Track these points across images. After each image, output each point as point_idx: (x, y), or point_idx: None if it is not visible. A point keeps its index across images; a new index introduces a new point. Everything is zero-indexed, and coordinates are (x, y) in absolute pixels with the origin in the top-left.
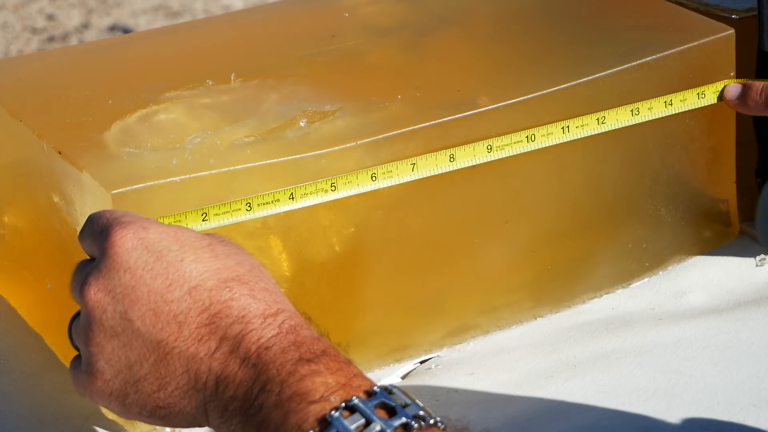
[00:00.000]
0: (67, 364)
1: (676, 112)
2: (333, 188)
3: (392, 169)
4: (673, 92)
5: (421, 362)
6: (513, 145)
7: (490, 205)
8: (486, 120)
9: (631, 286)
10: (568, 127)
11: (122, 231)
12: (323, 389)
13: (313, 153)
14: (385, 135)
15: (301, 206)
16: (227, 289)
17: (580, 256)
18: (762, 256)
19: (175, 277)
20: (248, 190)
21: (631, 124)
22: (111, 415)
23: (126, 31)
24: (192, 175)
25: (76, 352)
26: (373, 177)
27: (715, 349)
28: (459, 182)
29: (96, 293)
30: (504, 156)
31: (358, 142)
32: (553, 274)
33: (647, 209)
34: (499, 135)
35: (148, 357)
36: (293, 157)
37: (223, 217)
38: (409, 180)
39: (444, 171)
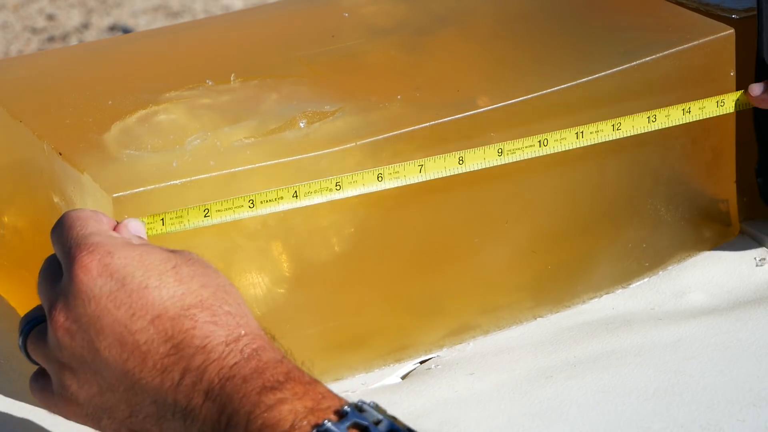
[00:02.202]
0: None
1: (695, 119)
2: (338, 187)
3: (399, 170)
4: (673, 92)
5: (421, 362)
6: (525, 150)
7: (489, 205)
8: (486, 120)
9: (631, 285)
10: (582, 132)
11: (88, 257)
12: (292, 417)
13: (313, 154)
14: (385, 135)
15: (304, 204)
16: (189, 318)
17: (580, 256)
18: (762, 255)
19: (138, 306)
20: (248, 191)
21: (647, 131)
22: None
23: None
24: (192, 178)
25: None
26: (380, 177)
27: (715, 348)
28: (459, 182)
29: (64, 321)
30: (515, 160)
31: (358, 143)
32: (553, 274)
33: (647, 209)
34: (498, 134)
35: (117, 386)
36: (293, 158)
37: (225, 214)
38: (416, 181)
39: (452, 173)
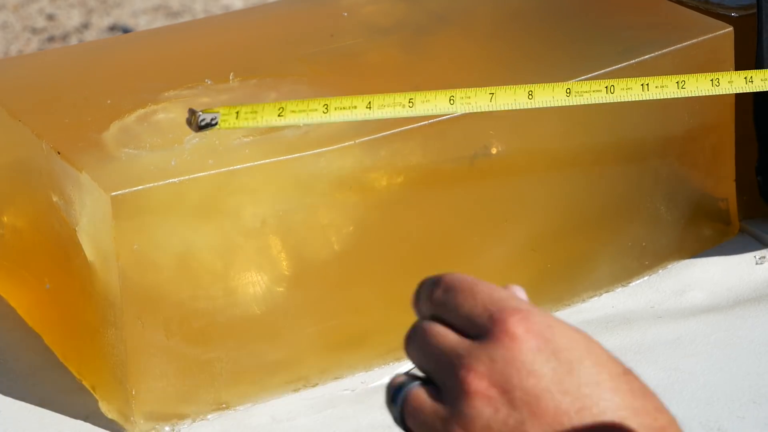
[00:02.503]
0: (67, 364)
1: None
2: (411, 104)
3: (471, 95)
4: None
5: None
6: (592, 93)
7: (489, 203)
8: (485, 118)
9: (631, 284)
10: (647, 84)
11: (523, 324)
12: None
13: (311, 152)
14: (384, 134)
15: (377, 117)
16: None
17: (580, 254)
18: (762, 254)
19: (587, 402)
20: (248, 190)
21: (712, 93)
22: (111, 415)
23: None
24: (191, 176)
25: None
26: (452, 100)
27: (715, 346)
28: (458, 180)
29: (487, 389)
30: (582, 103)
31: (357, 141)
32: (553, 272)
33: (647, 207)
34: (497, 133)
35: None
36: (292, 156)
37: (299, 116)
38: (485, 110)
39: (521, 107)
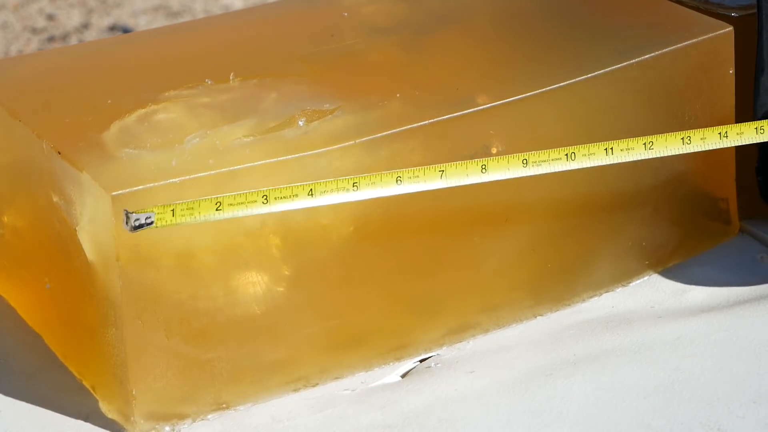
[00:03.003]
0: (67, 364)
1: (735, 144)
2: (355, 187)
3: (419, 174)
4: (671, 90)
5: (421, 361)
6: (550, 162)
7: (490, 203)
8: (485, 118)
9: (631, 284)
10: (612, 149)
11: None
12: None
13: (312, 152)
14: (384, 133)
15: (320, 203)
16: None
17: (580, 254)
18: (762, 254)
19: None
20: (248, 190)
21: (681, 152)
22: (111, 414)
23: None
24: (191, 176)
25: (72, 352)
26: (399, 180)
27: (715, 346)
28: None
29: None
30: (540, 172)
31: (357, 141)
32: (553, 272)
33: (647, 207)
34: (497, 133)
35: None
36: (292, 156)
37: (237, 208)
38: (436, 187)
39: (474, 182)
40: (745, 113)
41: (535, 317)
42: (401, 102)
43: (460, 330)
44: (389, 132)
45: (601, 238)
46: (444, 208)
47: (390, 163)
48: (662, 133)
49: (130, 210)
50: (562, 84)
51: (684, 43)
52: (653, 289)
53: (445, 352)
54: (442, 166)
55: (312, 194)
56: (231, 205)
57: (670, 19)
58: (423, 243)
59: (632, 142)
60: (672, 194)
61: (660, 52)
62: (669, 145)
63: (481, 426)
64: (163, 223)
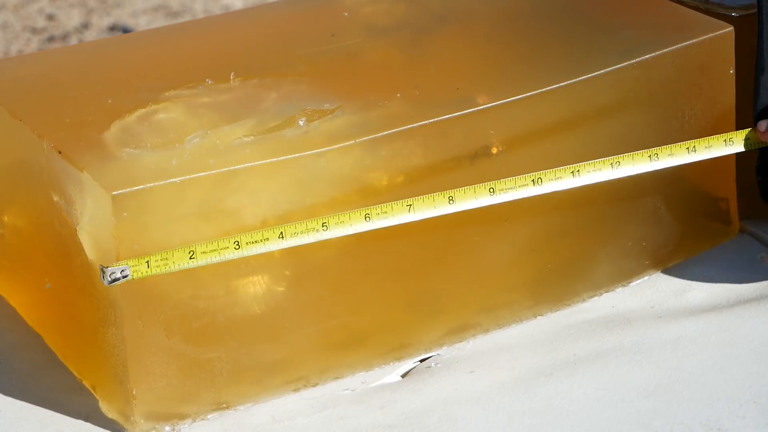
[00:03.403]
0: (67, 364)
1: (700, 159)
2: (325, 227)
3: (387, 210)
4: (672, 90)
5: (421, 361)
6: (517, 189)
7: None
8: (485, 118)
9: (631, 284)
10: (578, 170)
11: None
12: None
13: (312, 152)
14: (384, 133)
15: (291, 245)
16: None
17: (580, 254)
18: (762, 254)
19: None
20: (248, 190)
21: (647, 170)
22: (111, 414)
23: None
24: (192, 176)
25: (72, 352)
26: (367, 217)
27: (715, 346)
28: (459, 180)
29: None
30: (507, 200)
31: (357, 141)
32: (553, 272)
33: (647, 207)
34: (497, 132)
35: None
36: (293, 156)
37: (210, 255)
38: (404, 221)
39: (442, 213)
40: (745, 113)
41: (535, 317)
42: (401, 102)
43: (460, 330)
44: (389, 132)
45: (601, 238)
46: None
47: (390, 163)
48: (662, 133)
49: (105, 264)
50: (562, 84)
51: (684, 43)
52: (653, 289)
53: (445, 352)
54: (410, 201)
55: (282, 237)
56: (204, 252)
57: (671, 19)
58: (423, 243)
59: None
60: (672, 194)
61: (660, 52)
62: (636, 163)
63: (481, 426)
64: (140, 274)
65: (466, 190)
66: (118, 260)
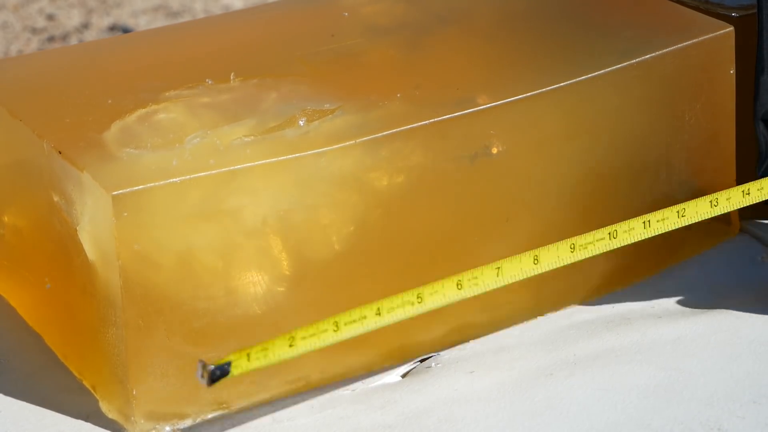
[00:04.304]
0: (67, 364)
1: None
2: (420, 299)
3: (477, 275)
4: (672, 91)
5: (421, 361)
6: (596, 243)
7: (490, 202)
8: (485, 118)
9: (631, 284)
10: (649, 221)
11: None
12: None
13: (312, 152)
14: (385, 133)
15: (388, 322)
16: None
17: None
18: (762, 254)
19: None
20: (248, 190)
21: (711, 216)
22: (111, 414)
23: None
24: (192, 176)
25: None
26: (459, 285)
27: (715, 346)
28: (459, 180)
29: None
30: (587, 256)
31: (358, 141)
32: (553, 272)
33: (647, 207)
34: (497, 133)
35: None
36: (293, 155)
37: (310, 341)
38: (495, 287)
39: (529, 275)
40: (745, 113)
41: (535, 317)
42: (401, 102)
43: (461, 330)
44: (390, 132)
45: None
46: (444, 207)
47: (390, 163)
48: (662, 133)
49: (207, 361)
50: (562, 84)
51: (684, 43)
52: (653, 289)
53: (445, 352)
54: (499, 263)
55: (380, 314)
56: (304, 338)
57: (671, 19)
58: (423, 243)
59: (667, 212)
60: (672, 194)
61: (660, 52)
62: (699, 211)
63: (481, 426)
64: (240, 370)
65: (550, 248)
66: (118, 259)
